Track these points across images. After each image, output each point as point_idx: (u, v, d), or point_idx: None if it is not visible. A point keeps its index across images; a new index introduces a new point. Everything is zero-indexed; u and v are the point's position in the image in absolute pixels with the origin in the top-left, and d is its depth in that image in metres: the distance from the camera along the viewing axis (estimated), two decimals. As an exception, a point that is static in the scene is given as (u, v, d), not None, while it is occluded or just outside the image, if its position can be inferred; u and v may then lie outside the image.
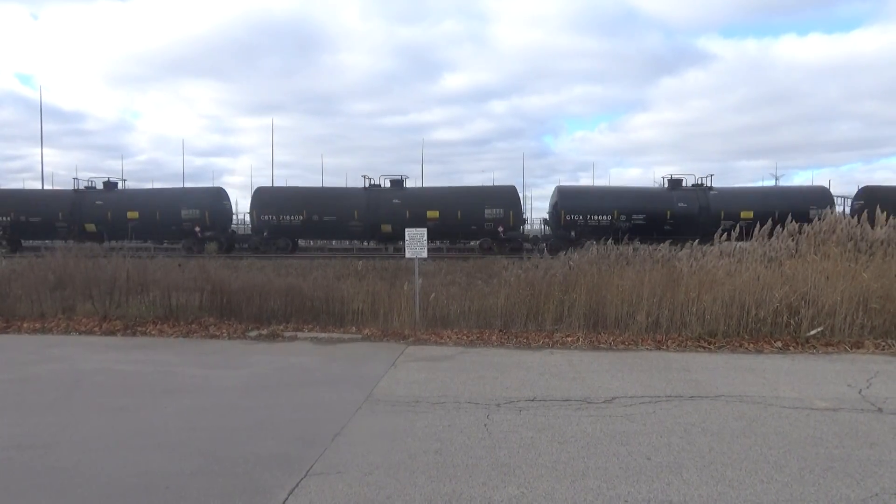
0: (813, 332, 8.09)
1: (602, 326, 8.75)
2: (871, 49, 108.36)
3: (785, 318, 8.31)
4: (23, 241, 30.50)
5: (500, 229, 27.61)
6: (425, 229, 9.97)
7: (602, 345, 8.08)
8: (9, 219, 29.64)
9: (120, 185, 32.37)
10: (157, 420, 5.12)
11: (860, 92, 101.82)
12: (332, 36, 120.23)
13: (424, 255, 9.76)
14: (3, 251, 25.45)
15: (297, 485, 3.79)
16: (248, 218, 32.08)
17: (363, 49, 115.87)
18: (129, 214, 28.80)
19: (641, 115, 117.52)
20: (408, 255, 9.75)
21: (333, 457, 4.26)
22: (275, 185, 39.93)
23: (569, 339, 8.32)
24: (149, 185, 34.13)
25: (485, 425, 4.90)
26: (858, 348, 7.81)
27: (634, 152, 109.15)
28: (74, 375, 6.70)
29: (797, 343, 7.96)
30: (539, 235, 32.03)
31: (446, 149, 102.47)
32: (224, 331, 9.10)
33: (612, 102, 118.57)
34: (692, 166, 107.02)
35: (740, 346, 7.95)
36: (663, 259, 10.13)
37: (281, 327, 9.16)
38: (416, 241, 9.64)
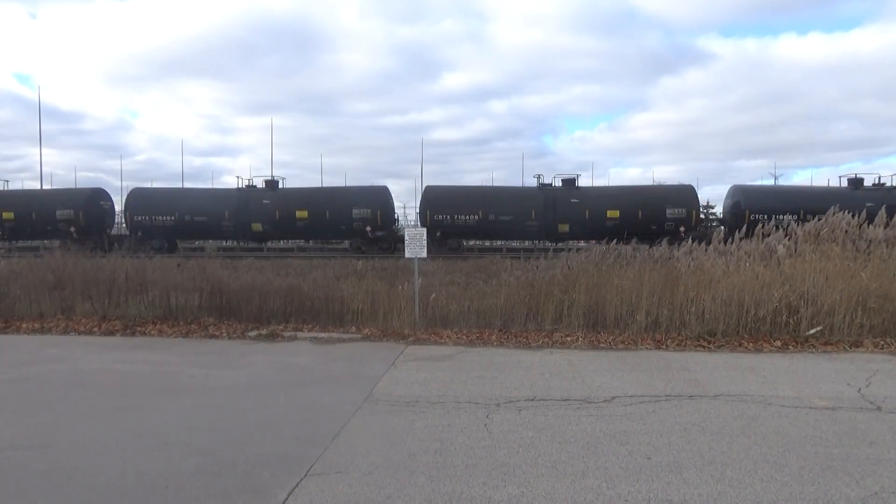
0: (812, 332, 8.10)
1: (602, 326, 8.76)
2: (870, 48, 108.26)
3: (784, 317, 8.32)
4: (180, 243, 29.88)
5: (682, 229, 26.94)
6: (424, 230, 9.98)
7: (602, 344, 8.09)
8: (172, 219, 28.66)
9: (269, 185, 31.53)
10: (156, 420, 5.12)
11: (859, 91, 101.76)
12: (332, 35, 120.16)
13: (424, 255, 9.76)
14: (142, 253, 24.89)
15: (297, 485, 3.79)
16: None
17: (362, 48, 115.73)
18: (299, 214, 28.22)
19: (641, 114, 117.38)
20: (407, 254, 9.75)
21: (333, 457, 4.26)
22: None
23: (568, 338, 8.33)
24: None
25: (485, 425, 4.90)
26: (857, 347, 7.82)
27: (634, 152, 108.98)
28: (73, 375, 6.69)
29: (796, 342, 7.97)
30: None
31: (446, 148, 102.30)
32: (223, 331, 9.10)
33: (612, 102, 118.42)
34: (692, 166, 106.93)
35: (740, 345, 7.95)
36: (662, 258, 10.14)
37: (280, 327, 9.16)
38: (415, 241, 9.64)
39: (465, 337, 8.48)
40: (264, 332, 8.94)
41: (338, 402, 5.59)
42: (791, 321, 8.31)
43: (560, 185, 28.81)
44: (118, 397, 5.79)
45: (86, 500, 3.65)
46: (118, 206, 32.25)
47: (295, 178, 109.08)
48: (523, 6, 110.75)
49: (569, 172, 29.20)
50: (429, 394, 5.80)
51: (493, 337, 8.47)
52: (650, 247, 10.85)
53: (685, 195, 28.35)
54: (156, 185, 33.07)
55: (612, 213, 27.26)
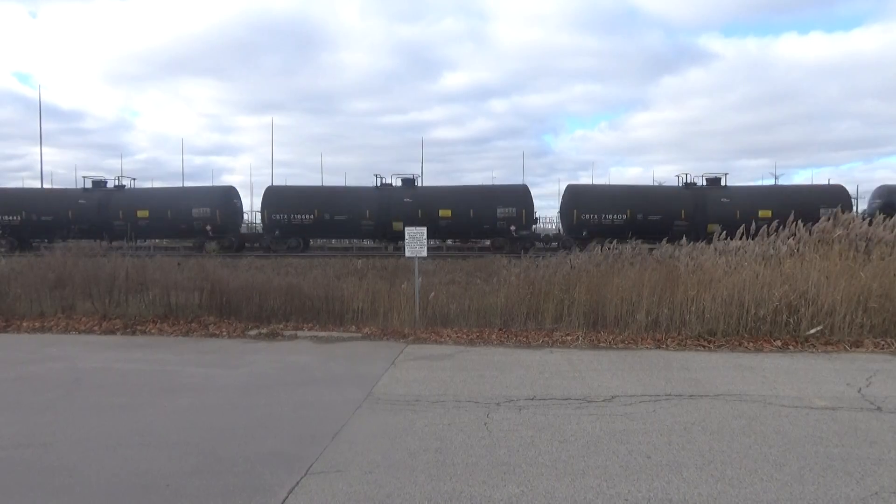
0: (812, 331, 8.10)
1: (602, 325, 8.76)
2: (871, 48, 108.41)
3: (784, 316, 8.32)
4: (312, 241, 29.57)
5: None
6: (424, 229, 9.97)
7: (602, 344, 8.09)
8: (311, 217, 28.19)
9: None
10: (156, 419, 5.12)
11: (860, 91, 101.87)
12: (332, 34, 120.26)
13: (424, 254, 9.76)
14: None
15: (297, 483, 3.79)
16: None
17: (363, 48, 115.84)
18: (442, 213, 27.84)
19: (642, 113, 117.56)
20: (408, 253, 9.75)
21: (333, 455, 4.26)
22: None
23: (569, 337, 8.33)
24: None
25: (485, 424, 4.90)
26: (858, 347, 7.82)
27: (634, 151, 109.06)
28: (74, 374, 6.70)
29: (797, 342, 7.97)
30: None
31: (446, 147, 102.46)
32: (224, 330, 9.10)
33: (613, 101, 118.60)
34: (692, 165, 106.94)
35: (740, 344, 7.95)
36: (663, 258, 10.14)
37: (281, 326, 9.16)
38: (415, 240, 9.64)
39: (465, 336, 8.48)
40: (264, 330, 8.94)
41: (338, 400, 5.59)
42: (791, 321, 8.31)
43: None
44: (119, 396, 5.79)
45: (86, 498, 3.66)
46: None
47: (296, 177, 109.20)
48: (524, 5, 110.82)
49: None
50: (429, 393, 5.80)
51: (494, 336, 8.47)
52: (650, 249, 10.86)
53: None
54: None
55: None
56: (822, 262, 9.04)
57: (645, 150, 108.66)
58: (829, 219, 9.80)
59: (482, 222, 27.73)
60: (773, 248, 9.79)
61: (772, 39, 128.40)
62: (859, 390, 5.89)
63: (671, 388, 5.94)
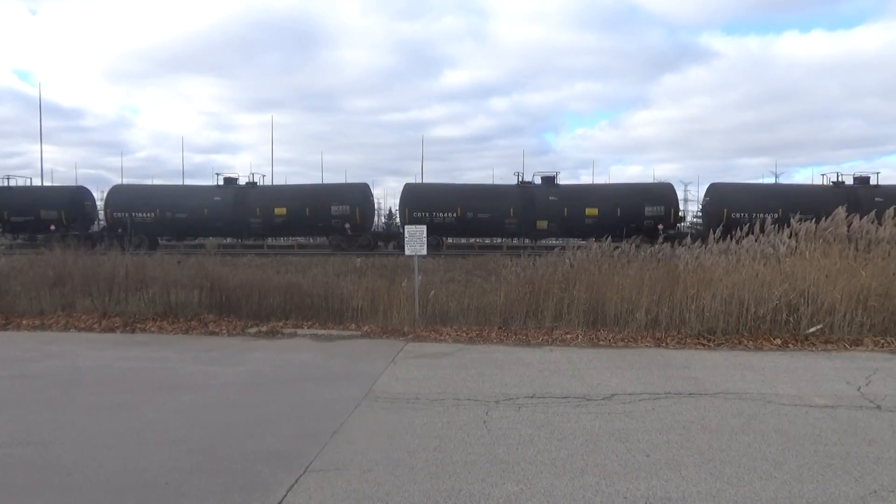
0: (812, 330, 8.10)
1: (601, 324, 8.76)
2: (873, 46, 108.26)
3: (784, 315, 8.32)
4: (446, 240, 29.16)
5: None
6: (424, 227, 9.97)
7: (601, 342, 8.09)
8: (454, 216, 27.93)
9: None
10: (156, 417, 5.12)
11: (862, 89, 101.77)
12: (332, 32, 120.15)
13: (424, 252, 9.76)
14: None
15: (296, 481, 3.79)
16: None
17: (363, 45, 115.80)
18: (588, 211, 27.46)
19: (642, 112, 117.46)
20: (407, 252, 9.75)
21: (332, 453, 4.26)
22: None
23: (568, 336, 8.32)
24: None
25: (484, 422, 4.90)
26: (857, 346, 7.82)
27: (635, 150, 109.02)
28: (74, 372, 6.70)
29: (796, 340, 7.97)
30: None
31: (447, 146, 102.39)
32: (223, 328, 9.10)
33: (613, 100, 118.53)
34: (693, 164, 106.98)
35: (739, 343, 7.96)
36: (663, 257, 10.13)
37: (280, 324, 9.16)
38: (415, 239, 9.64)
39: (464, 334, 8.48)
40: (264, 328, 8.94)
41: (337, 398, 5.59)
42: (791, 319, 8.31)
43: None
44: (118, 394, 5.80)
45: (86, 496, 3.66)
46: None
47: (295, 175, 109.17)
48: (524, 3, 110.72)
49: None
50: (428, 391, 5.80)
51: (493, 334, 8.47)
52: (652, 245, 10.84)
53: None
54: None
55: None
56: (822, 260, 9.03)
57: (645, 148, 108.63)
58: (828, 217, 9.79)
59: (629, 221, 27.03)
60: (773, 247, 9.78)
61: (773, 38, 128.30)
62: (859, 389, 5.89)
63: (670, 387, 5.94)
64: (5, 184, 32.36)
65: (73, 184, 33.27)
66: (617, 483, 3.75)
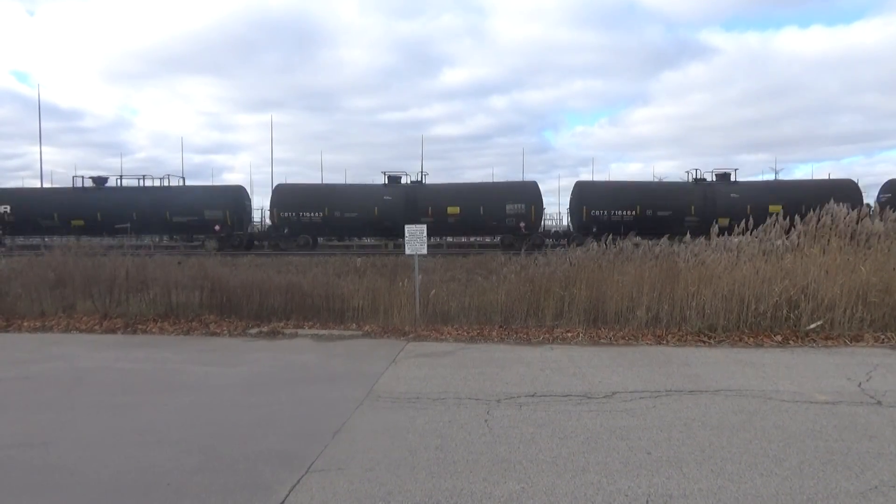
0: (813, 326, 8.10)
1: (602, 322, 8.77)
2: (872, 41, 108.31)
3: (785, 311, 8.33)
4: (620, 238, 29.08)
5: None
6: (425, 226, 9.97)
7: (602, 340, 8.09)
8: (633, 213, 27.24)
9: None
10: (157, 417, 5.13)
11: (861, 84, 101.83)
12: (331, 31, 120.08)
13: (424, 251, 9.76)
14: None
15: (298, 481, 3.80)
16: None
17: (362, 44, 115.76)
18: (772, 208, 26.20)
19: (642, 109, 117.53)
20: (408, 251, 9.75)
21: (334, 453, 4.27)
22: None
23: (569, 334, 8.33)
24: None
25: (485, 421, 4.90)
26: (858, 342, 7.82)
27: (635, 147, 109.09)
28: (75, 373, 6.71)
29: (797, 337, 7.97)
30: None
31: (446, 144, 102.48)
32: (224, 328, 9.11)
33: (613, 97, 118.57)
34: (693, 161, 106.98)
35: (740, 340, 7.96)
36: (663, 254, 10.13)
37: (281, 324, 9.17)
38: (415, 238, 9.64)
39: (465, 333, 8.49)
40: (265, 329, 8.95)
41: (339, 398, 5.60)
42: (791, 316, 8.32)
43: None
44: (119, 395, 5.80)
45: (87, 497, 3.67)
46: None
47: (295, 175, 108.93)
48: (523, 1, 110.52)
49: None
50: (429, 390, 5.81)
51: (494, 333, 8.48)
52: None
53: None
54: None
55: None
56: (822, 256, 9.03)
57: (645, 145, 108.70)
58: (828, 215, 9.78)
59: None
60: (773, 244, 9.77)
61: (772, 33, 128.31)
62: (859, 384, 5.90)
63: (671, 384, 5.95)
64: (165, 183, 31.80)
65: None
66: (618, 481, 3.76)
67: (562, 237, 28.01)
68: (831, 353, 7.28)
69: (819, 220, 9.56)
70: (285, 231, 28.82)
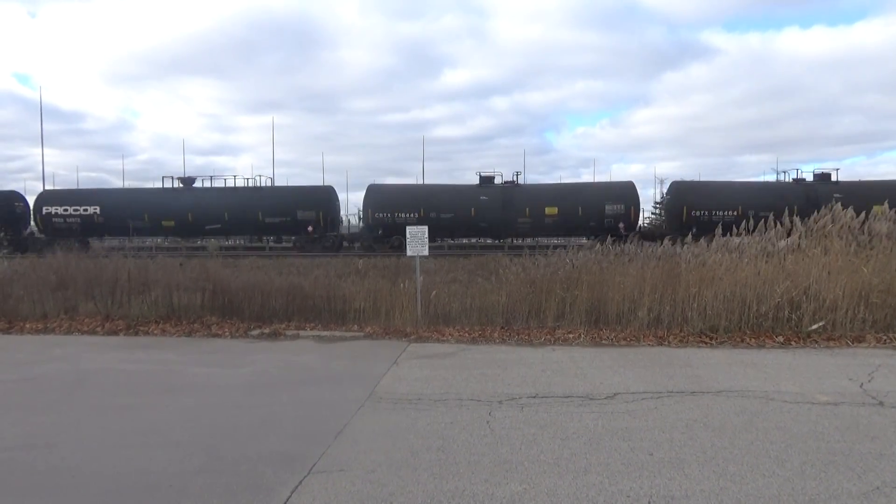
0: (814, 327, 8.09)
1: (604, 323, 8.76)
2: (874, 42, 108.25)
3: (786, 312, 8.32)
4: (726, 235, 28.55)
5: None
6: (426, 227, 9.97)
7: (604, 341, 8.09)
8: (735, 213, 26.12)
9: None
10: (159, 419, 5.14)
11: (863, 85, 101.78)
12: (332, 33, 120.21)
13: (425, 253, 9.76)
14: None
15: (300, 482, 3.81)
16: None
17: (363, 46, 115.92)
18: (877, 208, 26.64)
19: (643, 110, 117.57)
20: (409, 252, 9.75)
21: (336, 454, 4.28)
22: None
23: (570, 335, 8.33)
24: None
25: (487, 422, 4.91)
26: (860, 342, 7.81)
27: (636, 148, 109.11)
28: (77, 375, 6.72)
29: (799, 338, 7.97)
30: None
31: (448, 146, 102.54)
32: (226, 330, 9.12)
33: (614, 98, 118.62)
34: (694, 161, 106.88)
35: (742, 340, 7.95)
36: (664, 255, 10.13)
37: (283, 326, 9.18)
38: (417, 239, 9.65)
39: (467, 334, 8.49)
40: (267, 330, 8.96)
41: (340, 400, 5.60)
42: (793, 317, 8.31)
43: None
44: (122, 397, 5.81)
45: (90, 498, 3.67)
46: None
47: (297, 177, 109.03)
48: (524, 2, 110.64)
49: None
50: (431, 391, 5.81)
51: (496, 334, 8.48)
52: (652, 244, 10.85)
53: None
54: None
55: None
56: (824, 257, 9.03)
57: (646, 146, 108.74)
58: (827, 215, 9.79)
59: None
60: (774, 245, 9.78)
61: (774, 34, 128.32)
62: (861, 385, 5.89)
63: (673, 385, 5.95)
64: (255, 183, 31.45)
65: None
66: (620, 482, 3.76)
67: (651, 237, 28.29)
68: (833, 354, 7.28)
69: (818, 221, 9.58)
70: (379, 232, 28.49)
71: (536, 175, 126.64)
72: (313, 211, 29.34)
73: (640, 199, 29.57)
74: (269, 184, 32.30)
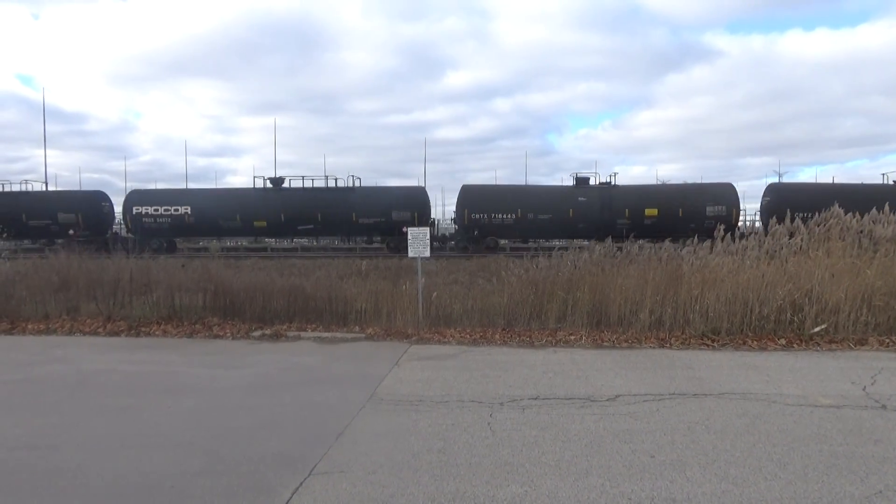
0: (817, 330, 8.07)
1: (605, 324, 8.75)
2: (877, 44, 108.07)
3: (789, 315, 8.30)
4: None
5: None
6: (427, 229, 9.97)
7: (605, 343, 8.08)
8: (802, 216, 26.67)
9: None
10: (161, 420, 5.14)
11: (866, 88, 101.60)
12: (334, 34, 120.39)
13: (427, 254, 9.76)
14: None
15: (300, 484, 3.80)
16: None
17: (365, 47, 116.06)
18: None
19: (645, 112, 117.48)
20: (411, 254, 9.75)
21: (337, 456, 4.27)
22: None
23: (572, 337, 8.32)
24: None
25: (488, 424, 4.90)
26: (862, 345, 7.79)
27: (638, 150, 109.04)
28: (79, 376, 6.72)
29: (801, 340, 7.94)
30: None
31: (450, 147, 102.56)
32: (227, 331, 9.12)
33: (616, 100, 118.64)
34: (696, 164, 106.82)
35: (744, 343, 7.94)
36: (667, 257, 10.11)
37: (284, 327, 9.18)
38: (418, 241, 9.65)
39: (468, 336, 8.48)
40: (268, 331, 8.96)
41: (342, 401, 5.60)
42: (795, 319, 8.29)
43: None
44: (123, 397, 5.81)
45: (91, 499, 3.67)
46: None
47: (299, 177, 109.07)
48: (526, 3, 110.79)
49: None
50: (432, 393, 5.81)
51: (497, 336, 8.47)
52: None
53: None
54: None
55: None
56: (827, 259, 9.00)
57: (648, 148, 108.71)
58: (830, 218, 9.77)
59: None
60: (777, 247, 9.76)
61: (777, 36, 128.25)
62: (864, 388, 5.87)
63: (675, 387, 5.93)
64: (348, 184, 30.84)
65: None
66: (621, 484, 3.75)
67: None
68: (835, 357, 7.26)
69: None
70: (475, 233, 28.20)
71: (538, 177, 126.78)
72: (408, 212, 28.94)
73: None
74: (357, 184, 31.49)
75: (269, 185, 30.71)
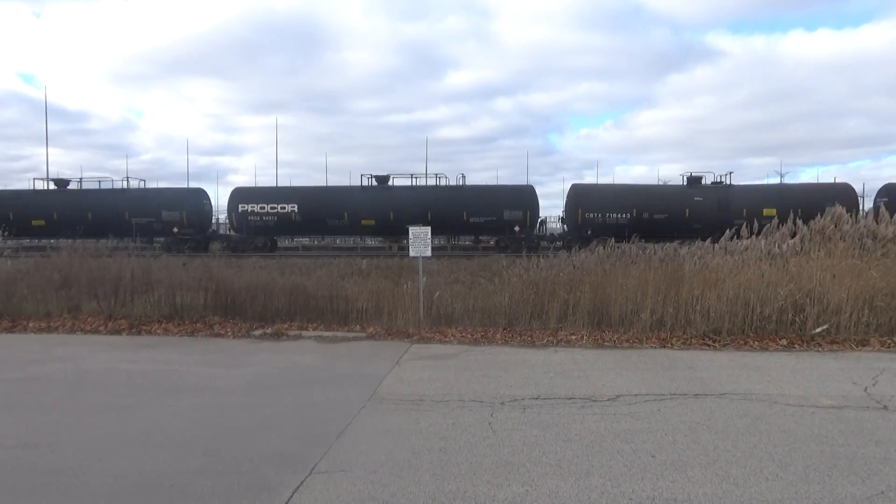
0: (818, 330, 8.06)
1: (606, 324, 8.74)
2: (879, 44, 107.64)
3: (790, 315, 8.29)
4: None
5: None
6: (429, 228, 9.97)
7: (606, 343, 8.07)
8: None
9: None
10: (161, 419, 5.14)
11: (868, 88, 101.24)
12: (336, 33, 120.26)
13: (428, 253, 9.76)
14: None
15: (301, 483, 3.80)
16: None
17: (367, 47, 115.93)
18: None
19: (647, 112, 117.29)
20: (412, 253, 9.75)
21: (338, 455, 4.27)
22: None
23: (573, 337, 8.31)
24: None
25: (489, 423, 4.90)
26: (864, 346, 7.78)
27: (640, 150, 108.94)
28: (80, 375, 6.73)
29: (802, 341, 7.94)
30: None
31: (451, 147, 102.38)
32: (228, 330, 9.13)
33: (618, 100, 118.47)
34: (697, 164, 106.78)
35: (745, 343, 7.93)
36: (668, 257, 10.10)
37: (285, 326, 9.18)
38: (419, 240, 9.64)
39: (469, 335, 8.48)
40: (269, 331, 8.96)
41: (342, 400, 5.60)
42: (797, 320, 8.28)
43: None
44: (124, 396, 5.82)
45: (92, 498, 3.67)
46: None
47: (299, 177, 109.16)
48: (528, 3, 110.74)
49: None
50: (433, 392, 5.80)
51: (498, 335, 8.47)
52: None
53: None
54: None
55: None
56: (828, 260, 8.99)
57: (650, 148, 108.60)
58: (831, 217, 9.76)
59: None
60: (778, 247, 9.75)
61: (779, 36, 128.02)
62: (865, 389, 5.86)
63: (676, 388, 5.93)
64: (460, 182, 30.82)
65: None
66: (622, 484, 3.74)
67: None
68: (837, 358, 7.25)
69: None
70: (588, 232, 27.86)
71: (539, 177, 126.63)
72: (520, 210, 28.80)
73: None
74: (462, 182, 31.25)
75: (374, 182, 30.41)
